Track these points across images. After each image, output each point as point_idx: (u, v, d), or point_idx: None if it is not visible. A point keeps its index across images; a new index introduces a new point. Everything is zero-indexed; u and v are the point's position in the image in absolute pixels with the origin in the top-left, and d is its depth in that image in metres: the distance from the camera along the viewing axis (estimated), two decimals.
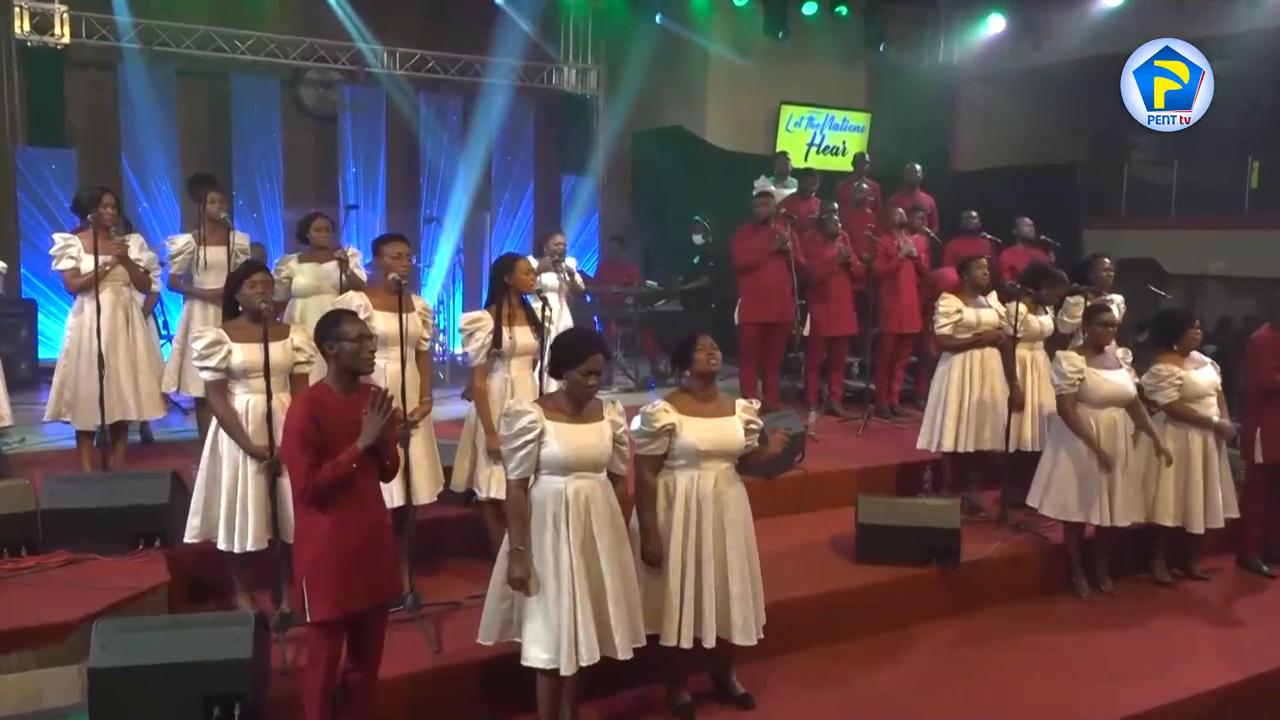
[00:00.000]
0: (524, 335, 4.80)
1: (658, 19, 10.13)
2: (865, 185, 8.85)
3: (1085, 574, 5.61)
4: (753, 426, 4.16)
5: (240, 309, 4.35)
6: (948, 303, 6.07)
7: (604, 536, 3.81)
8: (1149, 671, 4.73)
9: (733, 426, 4.09)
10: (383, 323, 4.53)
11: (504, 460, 3.82)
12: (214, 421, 4.34)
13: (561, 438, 3.74)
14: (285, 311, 6.07)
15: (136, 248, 5.64)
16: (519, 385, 4.77)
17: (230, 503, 4.23)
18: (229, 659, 3.53)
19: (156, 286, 5.88)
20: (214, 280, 5.80)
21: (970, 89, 11.93)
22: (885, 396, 7.99)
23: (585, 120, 11.32)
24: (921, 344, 7.88)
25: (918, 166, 9.11)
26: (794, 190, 9.11)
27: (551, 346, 3.94)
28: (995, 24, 11.07)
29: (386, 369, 4.51)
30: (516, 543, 3.74)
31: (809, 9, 10.74)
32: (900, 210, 7.94)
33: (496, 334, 4.72)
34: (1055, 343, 6.25)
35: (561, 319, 6.60)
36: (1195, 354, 5.69)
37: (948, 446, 6.05)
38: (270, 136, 9.97)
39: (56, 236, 5.53)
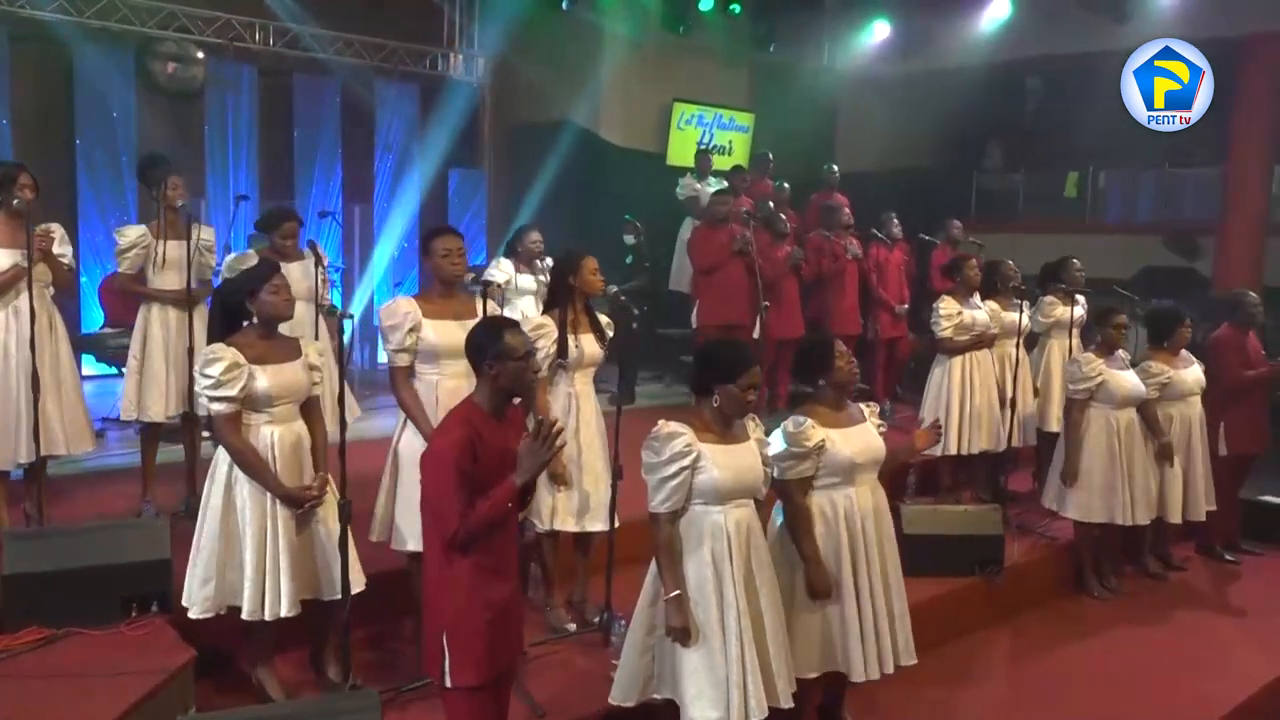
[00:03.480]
0: (590, 344, 4.25)
1: (564, 5, 9.57)
2: (785, 186, 8.75)
3: (1095, 573, 5.68)
4: (883, 431, 3.85)
5: (249, 320, 3.55)
6: (947, 305, 6.01)
7: (763, 571, 3.39)
8: (1216, 664, 4.83)
9: (873, 433, 3.76)
10: (434, 333, 3.86)
11: (650, 490, 3.30)
12: (222, 463, 3.50)
13: (719, 462, 3.28)
14: None
15: (59, 240, 4.60)
16: (584, 401, 4.23)
17: (258, 560, 3.44)
18: None
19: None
20: (174, 280, 4.85)
21: (850, 93, 12.12)
22: None
23: (472, 111, 10.59)
24: (863, 346, 7.82)
25: (835, 167, 9.11)
26: (720, 189, 8.84)
27: (699, 358, 3.45)
28: (880, 30, 11.27)
29: (440, 385, 3.85)
30: (673, 586, 3.24)
31: (705, 4, 10.52)
32: (846, 211, 7.86)
33: (561, 342, 4.15)
34: (1029, 342, 6.37)
35: None
36: (1184, 352, 5.88)
37: (952, 450, 5.98)
38: (119, 115, 8.65)
39: None
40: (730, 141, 11.79)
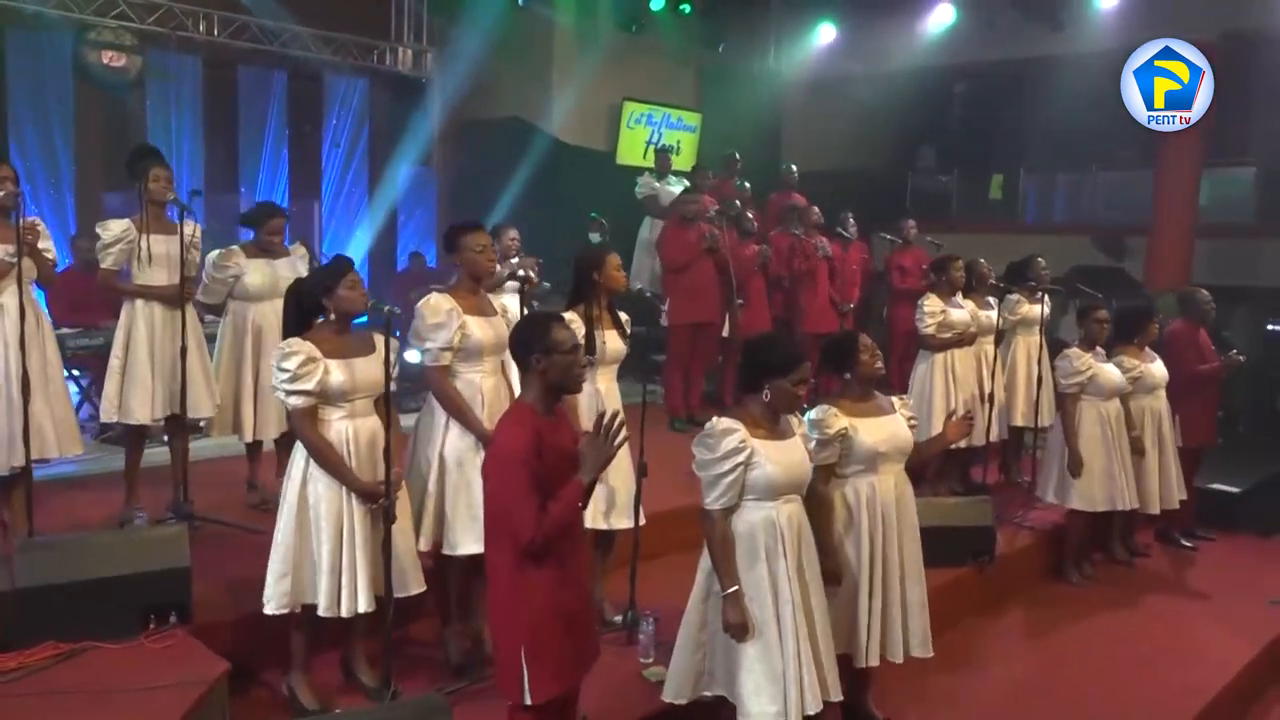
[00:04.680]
0: (614, 340, 4.23)
1: (520, 1, 9.48)
2: (747, 185, 8.82)
3: (1075, 561, 5.88)
4: (914, 423, 3.92)
5: (324, 316, 3.48)
6: (932, 303, 6.13)
7: (812, 566, 3.42)
8: (1195, 648, 5.05)
9: (901, 424, 3.83)
10: (476, 330, 3.78)
11: (704, 487, 3.29)
12: (299, 459, 3.44)
13: (771, 457, 3.29)
14: (226, 317, 4.99)
15: (43, 234, 4.37)
16: (608, 398, 4.19)
17: (334, 557, 3.37)
18: None
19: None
20: (162, 277, 4.63)
21: (796, 95, 12.29)
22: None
23: (419, 105, 10.40)
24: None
25: (794, 166, 9.23)
26: (687, 188, 8.86)
27: (749, 354, 3.45)
28: (825, 33, 11.45)
29: (483, 383, 3.79)
30: (729, 583, 3.24)
31: (656, 3, 10.54)
32: (816, 210, 7.97)
33: (589, 339, 4.10)
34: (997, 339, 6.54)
35: None
36: (1148, 348, 6.12)
37: None
38: (55, 105, 8.25)
39: None
40: (679, 141, 11.82)
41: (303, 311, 3.49)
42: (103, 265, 4.58)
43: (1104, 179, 12.68)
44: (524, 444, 2.80)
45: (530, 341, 2.94)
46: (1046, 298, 6.69)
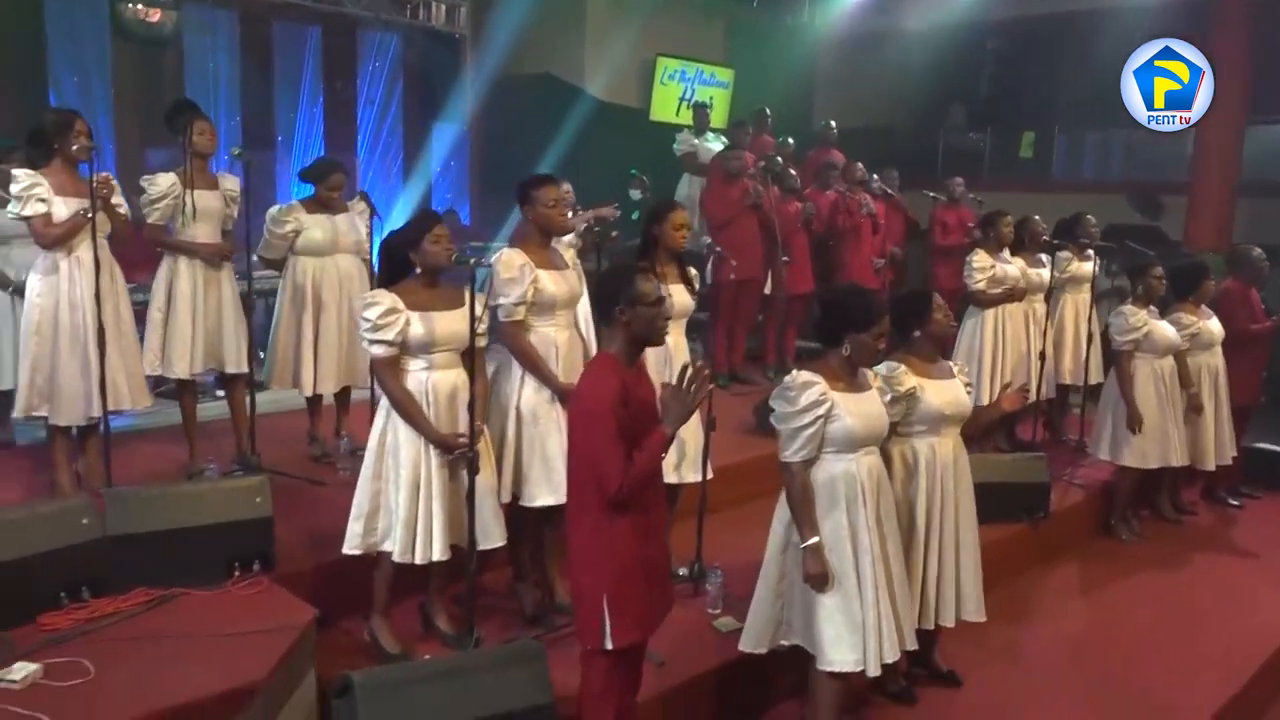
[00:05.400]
0: (681, 294, 4.21)
1: None
2: (790, 141, 8.76)
3: (1123, 518, 5.90)
4: (970, 389, 3.93)
5: (414, 270, 3.52)
6: (981, 259, 6.11)
7: (889, 519, 3.45)
8: (1247, 603, 5.08)
9: (961, 389, 3.84)
10: (550, 284, 3.80)
11: (784, 440, 3.31)
12: (381, 409, 3.48)
13: (851, 410, 3.31)
14: (287, 272, 5.02)
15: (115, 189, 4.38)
16: (676, 352, 4.20)
17: (410, 504, 3.42)
18: None
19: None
20: (206, 233, 4.68)
21: (828, 50, 12.14)
22: None
23: (453, 61, 10.33)
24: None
25: (833, 123, 9.15)
26: (719, 145, 8.81)
27: (828, 307, 3.46)
28: None
29: (557, 336, 3.81)
30: (810, 534, 3.27)
31: None
32: (860, 167, 7.92)
33: None
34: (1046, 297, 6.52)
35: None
36: (1204, 306, 6.09)
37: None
38: (93, 62, 8.23)
39: (17, 173, 4.14)
40: (711, 98, 11.72)
41: (393, 264, 3.53)
42: (150, 220, 4.60)
43: (1138, 136, 12.51)
44: (611, 394, 2.82)
45: (615, 293, 2.94)
46: (1096, 255, 6.68)
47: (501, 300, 3.78)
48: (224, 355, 4.73)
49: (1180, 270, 6.12)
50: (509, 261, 3.77)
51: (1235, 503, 6.61)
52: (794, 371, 3.35)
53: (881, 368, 3.69)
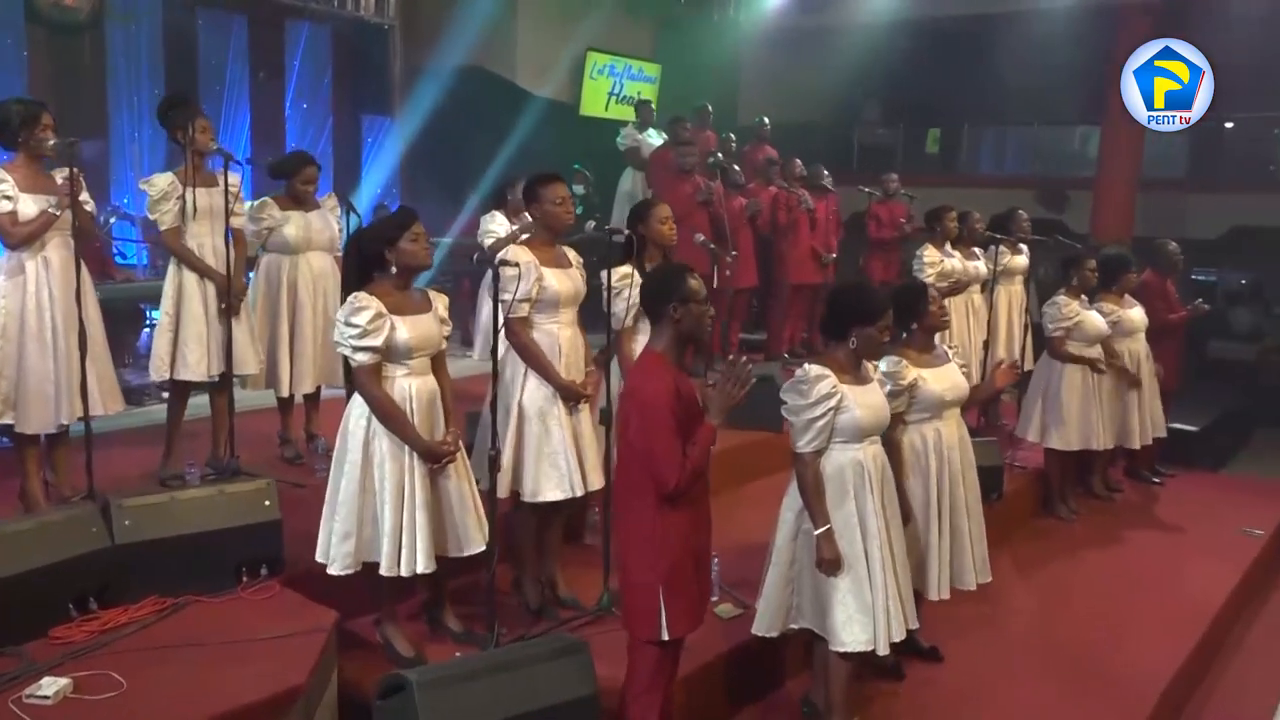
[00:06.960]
0: None
1: None
2: (732, 137, 8.93)
3: (1061, 497, 6.26)
4: (965, 369, 4.15)
5: (386, 271, 3.40)
6: (930, 253, 6.39)
7: (892, 504, 3.63)
8: (1186, 572, 5.48)
9: (958, 373, 4.06)
10: (555, 282, 3.84)
11: (797, 432, 3.45)
12: (359, 416, 3.39)
13: (859, 401, 3.47)
14: (260, 270, 4.93)
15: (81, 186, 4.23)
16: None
17: (396, 516, 3.35)
18: None
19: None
20: (206, 230, 4.55)
21: (753, 47, 12.37)
22: (779, 345, 8.21)
23: (383, 53, 10.18)
24: (818, 296, 8.14)
25: (766, 120, 9.36)
26: (661, 140, 8.91)
27: (834, 302, 3.61)
28: None
29: (560, 334, 3.86)
30: (822, 521, 3.42)
31: None
32: (798, 163, 8.13)
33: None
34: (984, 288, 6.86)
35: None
36: (1127, 295, 6.48)
37: None
38: (10, 48, 7.87)
39: None
40: (639, 92, 11.84)
41: (364, 262, 3.40)
42: (163, 227, 4.47)
43: (1045, 134, 13.17)
44: (667, 392, 2.91)
45: (667, 292, 3.02)
46: (1025, 249, 7.04)
47: (505, 297, 3.81)
48: (237, 357, 4.62)
49: (1104, 262, 6.50)
50: (513, 259, 3.80)
51: (1157, 480, 7.06)
52: (805, 365, 3.49)
53: (882, 363, 3.85)
